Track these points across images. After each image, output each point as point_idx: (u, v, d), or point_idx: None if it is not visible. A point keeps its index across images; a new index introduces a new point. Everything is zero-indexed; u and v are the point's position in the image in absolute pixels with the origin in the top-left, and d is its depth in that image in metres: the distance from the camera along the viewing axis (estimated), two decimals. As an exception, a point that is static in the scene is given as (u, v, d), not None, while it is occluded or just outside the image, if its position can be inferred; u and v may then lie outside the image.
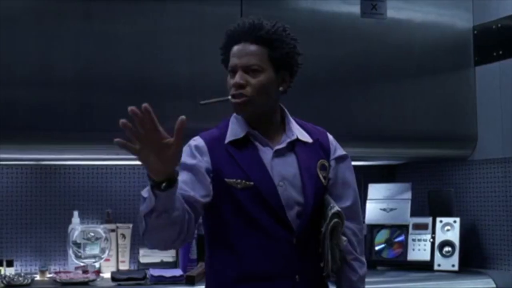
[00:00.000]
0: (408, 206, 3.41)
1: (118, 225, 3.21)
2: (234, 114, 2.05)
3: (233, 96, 1.98)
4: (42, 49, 2.76)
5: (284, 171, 1.99)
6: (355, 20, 3.19)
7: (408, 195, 3.43)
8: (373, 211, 3.47)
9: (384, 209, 3.45)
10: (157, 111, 2.86)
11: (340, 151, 2.12)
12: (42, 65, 2.76)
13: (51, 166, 3.21)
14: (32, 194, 3.20)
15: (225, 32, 2.04)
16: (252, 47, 1.98)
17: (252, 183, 1.95)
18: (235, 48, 2.00)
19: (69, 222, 3.12)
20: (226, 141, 2.01)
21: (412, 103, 3.27)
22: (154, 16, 2.89)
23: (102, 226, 3.12)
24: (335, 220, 1.99)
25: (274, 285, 1.94)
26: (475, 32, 3.36)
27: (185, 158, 1.94)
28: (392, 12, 3.24)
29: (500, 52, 3.24)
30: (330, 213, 1.99)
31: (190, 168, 1.95)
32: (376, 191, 3.51)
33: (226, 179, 1.96)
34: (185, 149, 1.98)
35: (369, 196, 3.51)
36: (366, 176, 3.66)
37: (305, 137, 2.06)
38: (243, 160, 1.98)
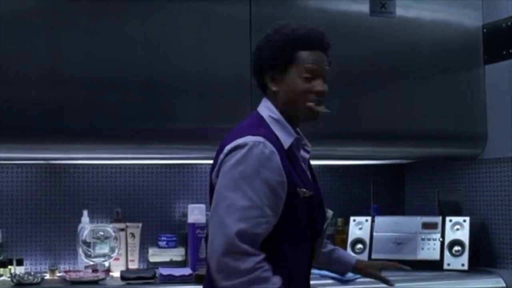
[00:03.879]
0: (417, 241, 3.30)
1: (128, 224, 3.21)
2: (271, 115, 1.97)
3: (317, 104, 1.96)
4: (52, 48, 2.77)
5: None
6: (364, 19, 3.18)
7: (417, 228, 3.33)
8: (379, 243, 3.37)
9: (392, 242, 3.35)
10: (165, 110, 2.90)
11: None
12: (52, 64, 2.77)
13: (60, 166, 3.22)
14: (41, 194, 3.21)
15: (289, 33, 1.96)
16: (323, 56, 1.99)
17: (312, 193, 1.94)
18: (311, 53, 1.95)
19: (79, 221, 3.13)
20: (286, 147, 1.93)
21: (421, 102, 3.26)
22: (164, 14, 2.89)
23: (111, 225, 3.13)
24: (328, 221, 2.07)
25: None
26: (485, 30, 3.35)
27: (273, 174, 1.82)
28: (401, 10, 3.23)
29: (510, 51, 3.23)
30: (329, 216, 2.06)
31: (276, 189, 1.83)
32: (384, 223, 3.42)
33: (298, 188, 1.89)
34: (261, 157, 1.83)
35: (375, 229, 3.38)
36: (375, 176, 3.66)
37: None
38: (300, 168, 1.96)
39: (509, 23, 3.25)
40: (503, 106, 3.25)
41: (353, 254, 3.24)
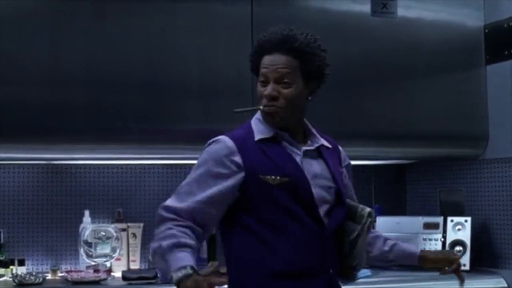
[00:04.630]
0: (418, 241, 3.29)
1: (129, 224, 3.22)
2: (257, 117, 2.07)
3: (265, 107, 2.01)
4: (53, 49, 2.77)
5: (314, 169, 2.03)
6: (366, 19, 3.18)
7: (419, 228, 3.33)
8: None
9: None
10: (167, 110, 2.90)
11: (347, 159, 2.20)
12: (53, 64, 2.77)
13: (62, 166, 3.22)
14: (43, 194, 3.21)
15: (256, 41, 2.06)
16: (284, 59, 2.00)
17: (287, 179, 1.97)
18: (267, 58, 2.01)
19: (80, 221, 3.14)
20: (256, 138, 2.01)
21: (423, 102, 3.26)
22: (165, 15, 2.89)
23: (113, 225, 3.13)
24: (370, 219, 2.06)
25: (313, 280, 1.98)
26: (486, 30, 3.35)
27: (216, 166, 1.97)
28: (403, 11, 3.23)
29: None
30: (365, 213, 2.06)
31: (220, 179, 1.97)
32: (385, 223, 3.40)
33: (260, 176, 1.97)
34: (211, 152, 2.00)
35: (377, 229, 3.36)
36: (377, 176, 3.66)
37: (327, 143, 2.11)
38: (276, 157, 2.00)
39: (510, 24, 3.24)
40: (504, 106, 3.25)
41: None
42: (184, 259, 1.85)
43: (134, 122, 2.85)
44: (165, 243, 1.89)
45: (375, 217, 2.10)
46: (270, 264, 1.96)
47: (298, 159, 2.02)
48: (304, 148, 2.05)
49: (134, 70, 2.84)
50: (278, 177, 1.96)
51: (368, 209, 2.07)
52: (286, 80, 2.00)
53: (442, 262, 2.26)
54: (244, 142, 2.00)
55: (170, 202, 1.97)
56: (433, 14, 3.29)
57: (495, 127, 3.30)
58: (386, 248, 2.19)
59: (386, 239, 2.21)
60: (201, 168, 1.99)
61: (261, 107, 2.02)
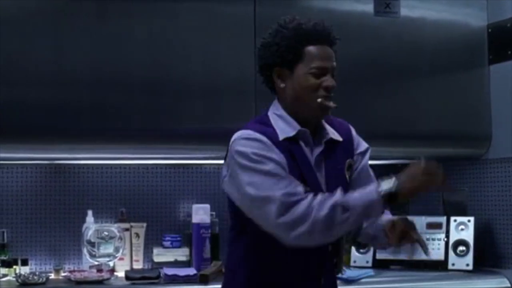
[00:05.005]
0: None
1: (132, 224, 3.22)
2: (275, 112, 2.00)
3: (326, 99, 1.95)
4: (56, 49, 2.77)
5: (320, 177, 1.99)
6: (368, 19, 3.18)
7: (422, 228, 3.27)
8: None
9: None
10: (170, 110, 2.90)
11: (362, 145, 2.14)
12: (56, 64, 2.77)
13: (65, 166, 3.23)
14: (46, 194, 3.21)
15: (295, 28, 1.96)
16: (332, 51, 1.98)
17: (308, 188, 1.90)
18: (319, 49, 1.95)
19: (83, 221, 3.14)
20: (280, 138, 1.94)
21: (426, 102, 3.26)
22: (167, 15, 2.89)
23: (116, 225, 3.13)
24: None
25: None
26: (490, 30, 3.35)
27: (266, 151, 1.86)
28: (406, 10, 3.23)
29: (515, 51, 3.23)
30: None
31: (278, 162, 1.87)
32: None
33: None
34: (247, 143, 1.88)
35: None
36: (379, 176, 3.65)
37: (336, 136, 2.05)
38: (301, 161, 1.94)
39: (514, 23, 3.25)
40: (507, 106, 3.25)
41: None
42: (367, 188, 1.81)
43: (136, 122, 2.85)
44: (333, 200, 1.79)
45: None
46: (268, 273, 1.94)
47: (312, 161, 1.97)
48: (317, 151, 1.99)
49: (137, 70, 2.84)
50: (301, 184, 1.89)
51: None
52: (334, 73, 1.98)
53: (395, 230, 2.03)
54: (272, 138, 1.92)
55: (285, 189, 1.82)
56: (436, 14, 3.29)
57: (498, 127, 3.30)
58: (365, 225, 2.10)
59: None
60: (252, 162, 1.86)
61: (319, 100, 1.94)
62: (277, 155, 1.88)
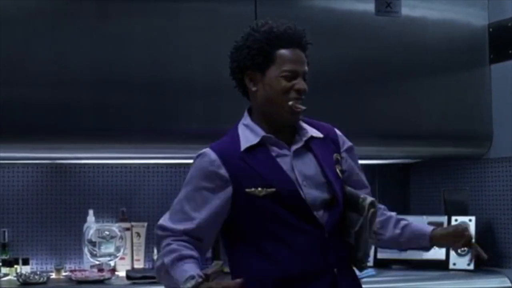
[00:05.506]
0: None
1: (133, 223, 3.22)
2: (243, 122, 2.03)
3: (297, 101, 1.96)
4: (57, 49, 2.78)
5: (305, 170, 1.99)
6: (370, 18, 3.18)
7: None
8: None
9: None
10: (170, 110, 2.90)
11: (348, 142, 2.13)
12: (57, 64, 2.78)
13: (66, 165, 3.23)
14: (47, 193, 3.21)
15: (266, 32, 1.97)
16: (303, 55, 1.99)
17: (273, 189, 1.93)
18: (291, 52, 1.96)
19: (84, 220, 3.14)
20: (242, 149, 1.97)
21: (427, 101, 3.26)
22: (168, 15, 2.89)
23: (117, 224, 3.13)
24: (372, 210, 1.99)
25: (315, 283, 1.95)
26: (491, 29, 3.34)
27: (204, 181, 1.95)
28: (407, 10, 3.23)
29: (516, 50, 3.23)
30: (366, 204, 1.98)
31: (210, 194, 1.95)
32: None
33: (247, 190, 1.93)
34: (197, 167, 1.98)
35: None
36: (381, 175, 3.66)
37: (316, 133, 2.05)
38: (261, 167, 1.95)
39: (515, 23, 3.24)
40: (508, 106, 3.24)
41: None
42: (189, 270, 1.83)
43: (137, 122, 2.86)
44: (167, 259, 1.89)
45: (377, 207, 2.01)
46: (271, 274, 1.94)
47: (288, 162, 1.97)
48: (294, 147, 2.00)
49: (138, 70, 2.85)
50: (264, 189, 1.92)
51: (369, 199, 1.99)
52: (306, 77, 1.99)
53: (451, 237, 2.13)
54: (228, 154, 1.96)
55: (165, 222, 1.98)
56: (437, 13, 3.29)
57: (499, 126, 3.30)
58: (398, 231, 2.12)
59: (398, 220, 2.13)
60: (190, 185, 1.98)
61: (290, 103, 1.95)
62: (213, 183, 1.95)
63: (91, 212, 3.16)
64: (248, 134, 2.00)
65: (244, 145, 1.98)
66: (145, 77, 2.85)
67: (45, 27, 2.76)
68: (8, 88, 2.69)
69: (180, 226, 1.94)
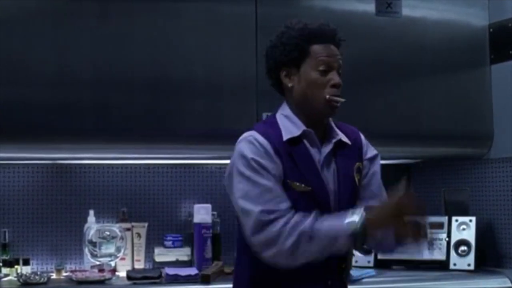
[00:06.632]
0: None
1: (134, 224, 3.22)
2: (282, 113, 2.03)
3: (335, 97, 1.98)
4: (59, 49, 2.78)
5: (330, 175, 2.00)
6: (370, 19, 3.18)
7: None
8: None
9: None
10: (171, 110, 2.90)
11: (371, 151, 2.14)
12: (59, 65, 2.78)
13: (67, 165, 3.23)
14: (48, 193, 3.21)
15: (301, 29, 1.99)
16: (337, 50, 2.02)
17: (310, 188, 1.94)
18: (325, 47, 1.99)
19: (85, 221, 3.14)
20: (284, 139, 1.97)
21: (428, 101, 3.26)
22: (170, 15, 2.90)
23: (117, 225, 3.13)
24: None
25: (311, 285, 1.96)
26: (491, 30, 3.35)
27: (260, 159, 1.90)
28: (407, 10, 3.23)
29: (516, 50, 3.23)
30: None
31: (273, 174, 1.91)
32: None
33: (288, 180, 1.93)
34: (250, 147, 1.93)
35: None
36: (381, 176, 3.65)
37: (345, 139, 2.07)
38: (301, 162, 1.96)
39: (515, 23, 3.24)
40: (509, 106, 3.25)
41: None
42: (339, 215, 1.82)
43: (138, 122, 2.86)
44: (302, 227, 1.82)
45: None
46: (270, 276, 1.94)
47: (318, 161, 1.98)
48: (324, 150, 2.00)
49: (139, 70, 2.85)
50: (303, 185, 1.93)
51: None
52: (340, 71, 2.01)
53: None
54: (276, 141, 1.95)
55: (261, 206, 1.87)
56: (437, 14, 3.29)
57: (500, 126, 3.30)
58: None
59: None
60: (248, 168, 1.91)
61: (327, 96, 1.97)
62: (273, 163, 1.92)
63: (91, 212, 3.16)
64: (289, 125, 2.00)
65: (286, 135, 1.98)
66: (145, 77, 2.86)
67: (46, 27, 2.77)
68: (8, 88, 2.70)
69: (283, 205, 1.87)
